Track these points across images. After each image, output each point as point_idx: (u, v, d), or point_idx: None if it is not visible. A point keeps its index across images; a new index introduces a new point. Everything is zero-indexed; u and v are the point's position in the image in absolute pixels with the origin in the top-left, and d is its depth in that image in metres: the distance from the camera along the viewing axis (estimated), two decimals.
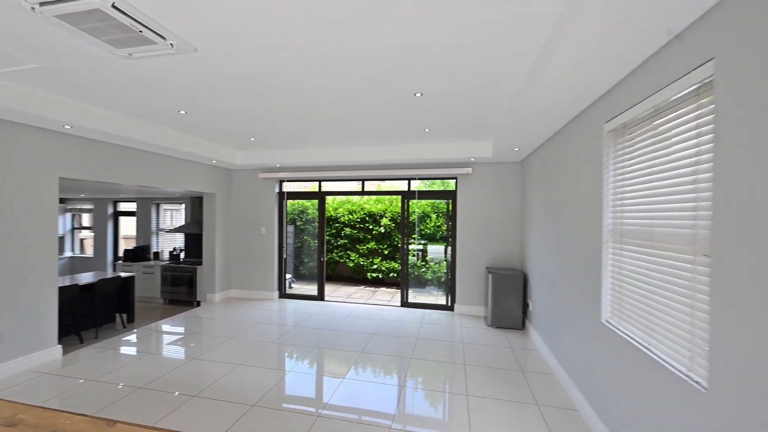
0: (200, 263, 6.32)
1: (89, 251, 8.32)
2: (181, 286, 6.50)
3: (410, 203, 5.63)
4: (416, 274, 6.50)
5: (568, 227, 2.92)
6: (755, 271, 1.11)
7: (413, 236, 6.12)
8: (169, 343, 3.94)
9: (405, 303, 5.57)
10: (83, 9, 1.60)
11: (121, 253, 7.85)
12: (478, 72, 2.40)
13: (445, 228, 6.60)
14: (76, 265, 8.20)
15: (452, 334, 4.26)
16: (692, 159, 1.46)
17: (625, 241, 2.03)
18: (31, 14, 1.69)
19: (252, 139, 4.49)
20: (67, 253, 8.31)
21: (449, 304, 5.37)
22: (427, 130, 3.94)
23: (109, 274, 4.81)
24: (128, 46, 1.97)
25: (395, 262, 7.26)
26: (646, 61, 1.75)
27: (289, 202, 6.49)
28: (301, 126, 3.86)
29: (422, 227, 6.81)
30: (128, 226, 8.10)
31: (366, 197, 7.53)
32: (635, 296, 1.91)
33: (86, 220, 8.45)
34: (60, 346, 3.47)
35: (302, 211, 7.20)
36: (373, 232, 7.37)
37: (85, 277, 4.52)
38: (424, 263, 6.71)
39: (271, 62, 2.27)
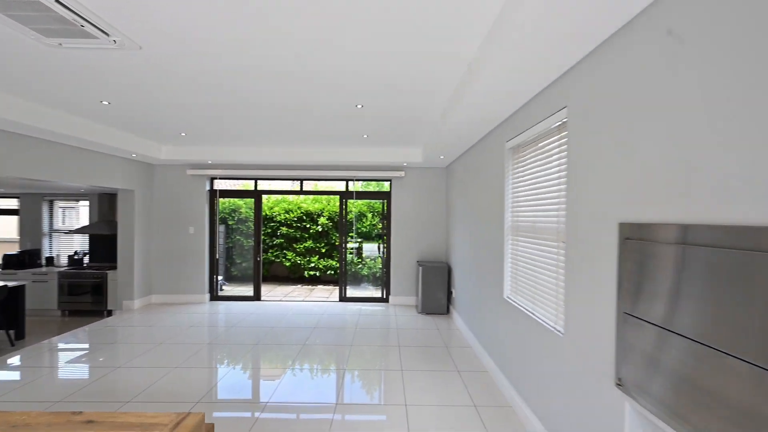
0: (111, 267, 5.70)
1: None
2: (85, 295, 5.77)
3: (348, 203, 5.92)
4: (353, 270, 6.82)
5: (481, 224, 3.55)
6: (583, 254, 1.70)
7: (351, 234, 6.41)
8: (73, 359, 3.54)
9: (343, 298, 5.85)
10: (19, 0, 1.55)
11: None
12: (409, 93, 2.83)
13: (380, 226, 7.04)
14: None
15: (387, 322, 4.69)
16: (558, 173, 2.06)
17: (520, 234, 2.65)
18: None
19: (183, 134, 4.29)
20: None
21: (384, 297, 5.83)
22: (365, 136, 4.29)
23: None
24: (62, 36, 1.89)
25: (332, 259, 7.47)
26: (532, 99, 2.35)
27: (221, 200, 6.22)
28: (243, 126, 3.86)
29: (359, 226, 7.15)
30: (7, 228, 6.77)
31: (303, 196, 7.58)
32: (526, 276, 2.53)
33: None
34: None
35: (234, 210, 6.94)
36: (311, 230, 7.46)
37: None
38: (360, 260, 7.07)
39: (222, 68, 2.36)
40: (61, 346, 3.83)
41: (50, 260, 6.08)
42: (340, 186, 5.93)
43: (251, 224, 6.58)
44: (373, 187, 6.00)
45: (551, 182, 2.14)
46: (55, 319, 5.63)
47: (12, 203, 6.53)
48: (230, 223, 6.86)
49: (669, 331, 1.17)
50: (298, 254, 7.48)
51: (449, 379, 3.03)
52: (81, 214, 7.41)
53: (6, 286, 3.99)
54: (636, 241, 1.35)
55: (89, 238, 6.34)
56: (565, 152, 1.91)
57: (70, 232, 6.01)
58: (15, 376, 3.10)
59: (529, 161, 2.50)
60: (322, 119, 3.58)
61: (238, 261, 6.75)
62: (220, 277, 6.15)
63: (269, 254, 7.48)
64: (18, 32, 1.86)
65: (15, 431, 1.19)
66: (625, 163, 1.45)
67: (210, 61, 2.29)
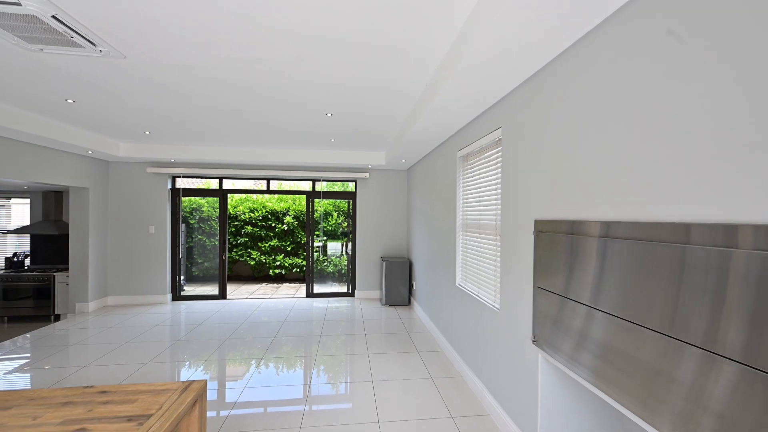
0: (58, 269, 5.42)
1: None
2: (27, 299, 5.43)
3: (315, 202, 6.14)
4: (319, 268, 7.03)
5: (437, 222, 4.01)
6: (513, 245, 2.17)
7: (317, 233, 6.62)
8: (22, 366, 3.46)
9: (311, 294, 6.07)
10: (15, 12, 1.65)
11: None
12: (374, 106, 3.18)
13: (345, 225, 7.33)
14: None
15: (354, 314, 5.01)
16: (496, 179, 2.53)
17: (468, 230, 3.12)
18: None
19: (147, 132, 4.26)
20: None
21: (350, 291, 6.14)
22: (332, 140, 4.56)
23: None
24: (46, 44, 1.98)
25: (298, 258, 7.62)
26: (477, 117, 2.81)
27: (183, 199, 6.12)
28: (211, 127, 3.96)
29: (324, 224, 7.37)
30: None
31: (268, 195, 7.63)
32: (473, 265, 3.00)
33: None
34: None
35: (195, 209, 6.82)
36: (276, 229, 7.54)
37: None
38: (325, 258, 7.29)
39: (200, 78, 2.53)
40: (6, 354, 3.66)
41: None
42: (307, 186, 6.13)
43: (213, 223, 6.53)
44: (338, 187, 6.27)
45: (492, 187, 2.61)
46: None
47: None
48: (191, 222, 6.73)
49: (565, 297, 1.64)
50: (263, 253, 7.53)
51: (410, 358, 3.44)
52: (14, 212, 6.84)
53: None
54: (545, 233, 1.82)
55: (30, 239, 5.91)
56: (501, 163, 2.38)
57: (11, 232, 5.57)
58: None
59: (476, 168, 2.97)
60: (292, 124, 3.81)
61: (200, 261, 6.66)
62: (181, 277, 6.05)
63: (233, 253, 7.44)
64: None
65: (33, 403, 1.37)
66: (538, 174, 1.93)
67: (187, 73, 2.46)
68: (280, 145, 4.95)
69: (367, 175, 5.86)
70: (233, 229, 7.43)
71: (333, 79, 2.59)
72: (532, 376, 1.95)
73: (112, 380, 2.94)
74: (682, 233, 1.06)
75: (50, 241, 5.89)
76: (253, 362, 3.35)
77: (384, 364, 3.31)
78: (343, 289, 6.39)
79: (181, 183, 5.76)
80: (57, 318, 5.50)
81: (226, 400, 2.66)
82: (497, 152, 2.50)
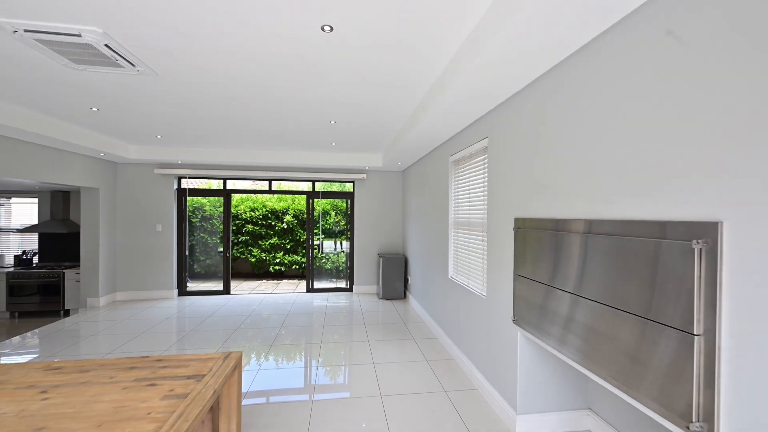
0: (67, 266, 5.67)
1: None
2: (37, 295, 5.66)
3: (314, 202, 6.44)
4: (318, 264, 7.33)
5: (430, 221, 4.35)
6: (497, 240, 2.52)
7: (316, 231, 6.92)
8: (47, 354, 3.71)
9: (311, 289, 6.38)
10: (72, 41, 1.93)
11: None
12: (374, 115, 3.51)
13: (343, 224, 7.63)
14: None
15: (353, 306, 5.34)
16: (484, 182, 2.88)
17: (459, 227, 3.46)
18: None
19: (159, 136, 4.51)
20: None
21: (349, 286, 6.46)
22: (333, 143, 4.87)
23: None
24: (91, 65, 2.25)
25: (297, 255, 7.90)
26: (467, 127, 3.15)
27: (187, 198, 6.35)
28: (221, 132, 4.23)
29: (323, 223, 7.66)
30: None
31: (269, 195, 7.89)
32: (463, 259, 3.35)
33: None
34: None
35: (197, 208, 7.05)
36: (276, 228, 7.81)
37: None
38: (323, 255, 7.59)
39: (223, 95, 2.82)
40: (23, 348, 3.91)
41: None
42: (307, 186, 6.42)
43: (216, 222, 6.78)
44: (337, 187, 6.58)
45: (480, 189, 2.96)
46: (4, 321, 5.43)
47: None
48: (194, 220, 6.97)
49: (535, 281, 1.99)
50: (264, 250, 7.79)
51: (407, 344, 3.78)
52: (14, 212, 6.99)
53: None
54: (522, 229, 2.17)
55: (39, 237, 6.10)
56: (487, 168, 2.73)
57: (22, 231, 5.76)
58: None
59: (466, 172, 3.31)
60: (298, 130, 4.11)
61: (202, 258, 6.90)
62: (185, 274, 6.29)
63: (234, 251, 7.69)
64: (49, 58, 2.19)
65: (104, 368, 1.66)
66: (517, 178, 2.28)
67: (211, 88, 2.75)
68: (282, 148, 5.24)
69: (364, 176, 6.17)
70: (235, 228, 7.68)
71: (341, 97, 2.91)
72: (512, 352, 2.30)
73: None
74: (603, 227, 1.42)
75: (58, 239, 6.09)
76: (263, 349, 3.66)
77: (383, 349, 3.65)
78: (342, 284, 6.71)
79: (186, 183, 6.00)
80: (67, 313, 5.73)
81: (245, 382, 2.96)
82: (484, 159, 2.85)
